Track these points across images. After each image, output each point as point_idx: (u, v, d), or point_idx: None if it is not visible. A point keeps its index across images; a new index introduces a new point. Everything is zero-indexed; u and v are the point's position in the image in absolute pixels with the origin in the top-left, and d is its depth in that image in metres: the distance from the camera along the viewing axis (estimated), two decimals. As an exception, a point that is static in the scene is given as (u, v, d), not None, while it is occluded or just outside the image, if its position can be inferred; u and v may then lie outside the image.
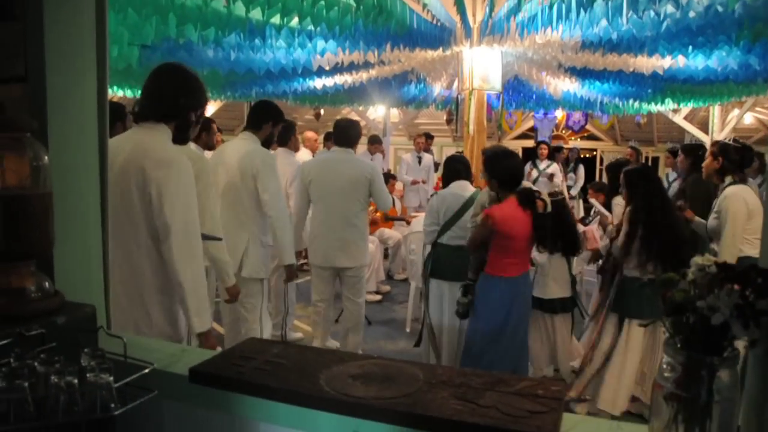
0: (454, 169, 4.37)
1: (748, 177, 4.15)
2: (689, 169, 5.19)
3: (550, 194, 4.30)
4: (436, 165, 9.60)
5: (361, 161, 4.60)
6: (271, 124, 3.99)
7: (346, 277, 4.58)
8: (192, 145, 4.94)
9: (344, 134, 4.56)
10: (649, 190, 3.77)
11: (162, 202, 2.19)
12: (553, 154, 10.20)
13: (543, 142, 10.92)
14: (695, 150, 5.19)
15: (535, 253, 4.04)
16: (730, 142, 4.17)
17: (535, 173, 9.78)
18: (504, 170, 3.63)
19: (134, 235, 2.24)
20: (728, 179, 3.97)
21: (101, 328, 1.50)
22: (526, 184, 3.90)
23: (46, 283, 1.46)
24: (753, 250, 3.73)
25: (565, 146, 10.96)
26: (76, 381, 1.19)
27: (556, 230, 4.04)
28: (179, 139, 2.41)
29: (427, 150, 9.87)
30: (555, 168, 9.83)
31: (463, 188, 4.25)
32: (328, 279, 4.61)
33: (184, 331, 2.39)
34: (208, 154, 6.00)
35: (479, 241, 3.63)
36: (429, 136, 10.19)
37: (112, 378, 1.22)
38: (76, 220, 1.67)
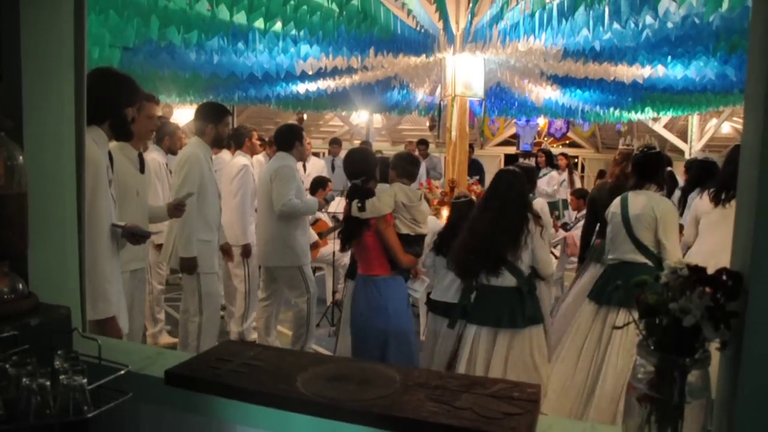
0: (382, 171, 4.35)
1: (662, 186, 3.99)
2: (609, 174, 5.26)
3: (456, 197, 4.27)
4: (428, 171, 9.59)
5: (276, 164, 4.58)
6: (211, 126, 4.09)
7: (278, 275, 4.72)
8: (156, 147, 5.07)
9: (278, 139, 4.74)
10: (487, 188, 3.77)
11: None
12: (553, 161, 10.18)
13: (541, 149, 10.97)
14: (616, 155, 5.19)
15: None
16: (638, 148, 4.10)
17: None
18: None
19: None
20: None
21: (76, 329, 1.48)
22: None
23: (20, 285, 1.44)
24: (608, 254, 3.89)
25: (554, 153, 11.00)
26: (48, 383, 1.18)
27: (448, 233, 4.08)
28: (119, 135, 2.61)
29: (425, 156, 9.79)
30: (551, 175, 9.76)
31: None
32: (265, 277, 4.87)
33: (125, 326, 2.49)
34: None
35: None
36: (424, 143, 10.16)
37: (85, 380, 1.21)
38: (52, 221, 1.66)
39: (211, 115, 4.14)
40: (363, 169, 3.78)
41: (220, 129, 4.13)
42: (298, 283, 4.66)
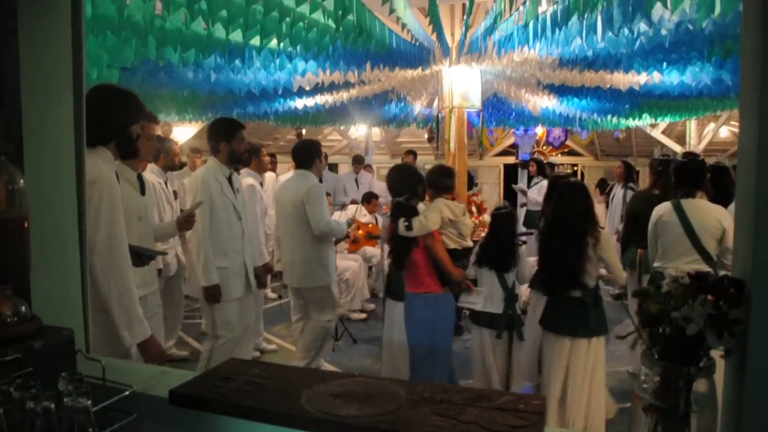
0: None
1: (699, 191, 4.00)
2: (650, 184, 5.24)
3: (496, 208, 4.33)
4: None
5: (304, 183, 4.49)
6: (224, 144, 3.94)
7: (307, 296, 4.64)
8: (153, 167, 5.02)
9: (298, 155, 4.65)
10: (549, 202, 3.87)
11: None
12: (543, 170, 10.27)
13: (533, 159, 11.03)
14: (655, 165, 5.20)
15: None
16: (676, 157, 4.14)
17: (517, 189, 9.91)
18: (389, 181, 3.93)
19: None
20: (680, 194, 3.96)
21: (79, 351, 1.48)
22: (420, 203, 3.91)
23: (23, 307, 1.44)
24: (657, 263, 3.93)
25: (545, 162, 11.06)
26: (53, 406, 1.17)
27: (489, 243, 4.11)
28: (126, 154, 2.60)
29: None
30: (544, 183, 9.85)
31: None
32: (295, 297, 4.78)
33: (130, 348, 2.40)
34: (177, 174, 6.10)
35: None
36: (412, 153, 10.19)
37: (90, 402, 1.20)
38: (54, 243, 1.66)
39: (223, 131, 3.96)
40: (406, 186, 3.80)
41: (234, 145, 3.95)
42: (326, 302, 4.62)
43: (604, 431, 3.67)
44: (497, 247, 4.07)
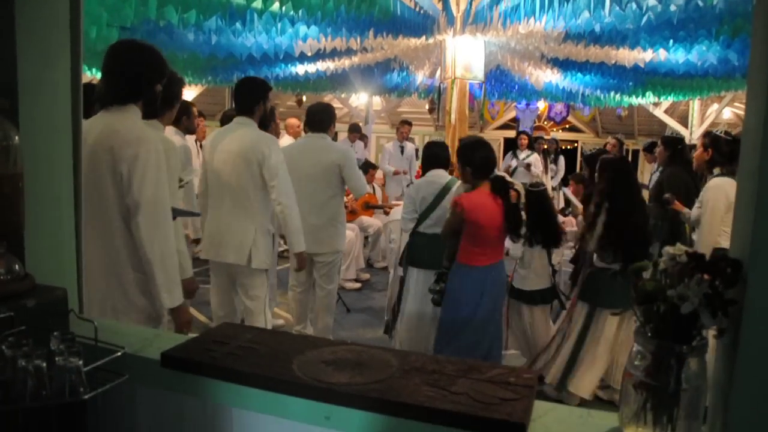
0: (433, 155, 4.31)
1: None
2: (667, 162, 5.20)
3: (531, 185, 4.33)
4: (418, 153, 9.57)
5: (334, 147, 4.44)
6: (261, 103, 3.75)
7: (317, 263, 4.56)
8: (172, 129, 4.87)
9: (316, 119, 4.50)
10: (615, 180, 3.81)
11: (131, 180, 2.21)
12: (533, 144, 10.28)
13: (523, 132, 11.00)
14: (674, 143, 5.21)
15: (509, 244, 4.04)
16: (721, 134, 4.15)
17: (515, 163, 9.88)
18: (478, 158, 3.63)
19: (107, 216, 2.25)
20: (716, 171, 3.98)
21: (72, 311, 1.48)
22: (505, 175, 3.85)
23: (16, 266, 1.43)
24: (728, 242, 3.79)
25: (546, 137, 11.04)
26: (44, 365, 1.18)
27: (536, 222, 4.10)
28: (149, 113, 2.49)
29: (407, 137, 9.78)
30: (534, 158, 9.87)
31: (439, 176, 4.19)
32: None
33: (163, 309, 2.38)
34: (190, 138, 5.98)
35: (450, 230, 3.63)
36: (408, 123, 10.10)
37: (81, 362, 1.21)
38: (49, 202, 1.65)
39: (261, 90, 3.76)
40: (492, 161, 3.77)
41: (266, 106, 3.81)
42: (335, 270, 4.58)
43: None
44: (546, 225, 4.14)
